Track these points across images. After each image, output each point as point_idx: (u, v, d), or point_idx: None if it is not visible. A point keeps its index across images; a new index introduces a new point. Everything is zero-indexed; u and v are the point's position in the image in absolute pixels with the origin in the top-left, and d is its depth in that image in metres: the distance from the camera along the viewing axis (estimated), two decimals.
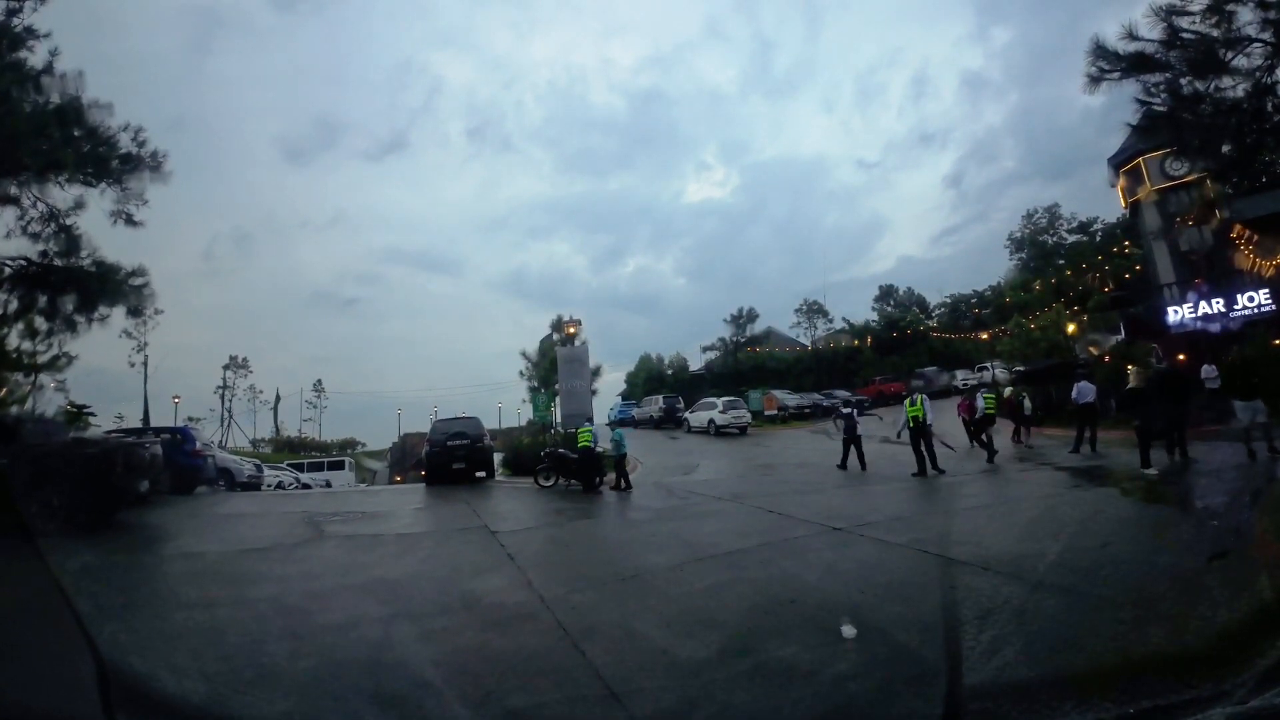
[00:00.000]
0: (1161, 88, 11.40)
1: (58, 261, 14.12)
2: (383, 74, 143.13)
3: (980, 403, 16.38)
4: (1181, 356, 21.66)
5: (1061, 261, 49.01)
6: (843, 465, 15.21)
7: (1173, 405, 11.59)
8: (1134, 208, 28.95)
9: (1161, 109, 11.46)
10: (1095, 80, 11.16)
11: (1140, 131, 12.84)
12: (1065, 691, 3.24)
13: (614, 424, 18.07)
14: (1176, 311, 24.85)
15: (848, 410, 16.83)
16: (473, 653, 4.72)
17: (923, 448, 13.27)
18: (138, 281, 14.64)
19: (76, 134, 13.87)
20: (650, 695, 3.87)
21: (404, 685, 4.19)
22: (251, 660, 4.64)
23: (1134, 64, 11.05)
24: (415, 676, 4.33)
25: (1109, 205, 53.81)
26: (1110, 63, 11.05)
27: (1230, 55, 11.74)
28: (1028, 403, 17.63)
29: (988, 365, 39.81)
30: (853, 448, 15.33)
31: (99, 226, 14.77)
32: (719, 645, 4.53)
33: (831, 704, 3.68)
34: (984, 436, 15.44)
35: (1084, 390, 15.37)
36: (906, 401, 14.06)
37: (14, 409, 14.02)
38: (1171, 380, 12.59)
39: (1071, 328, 29.97)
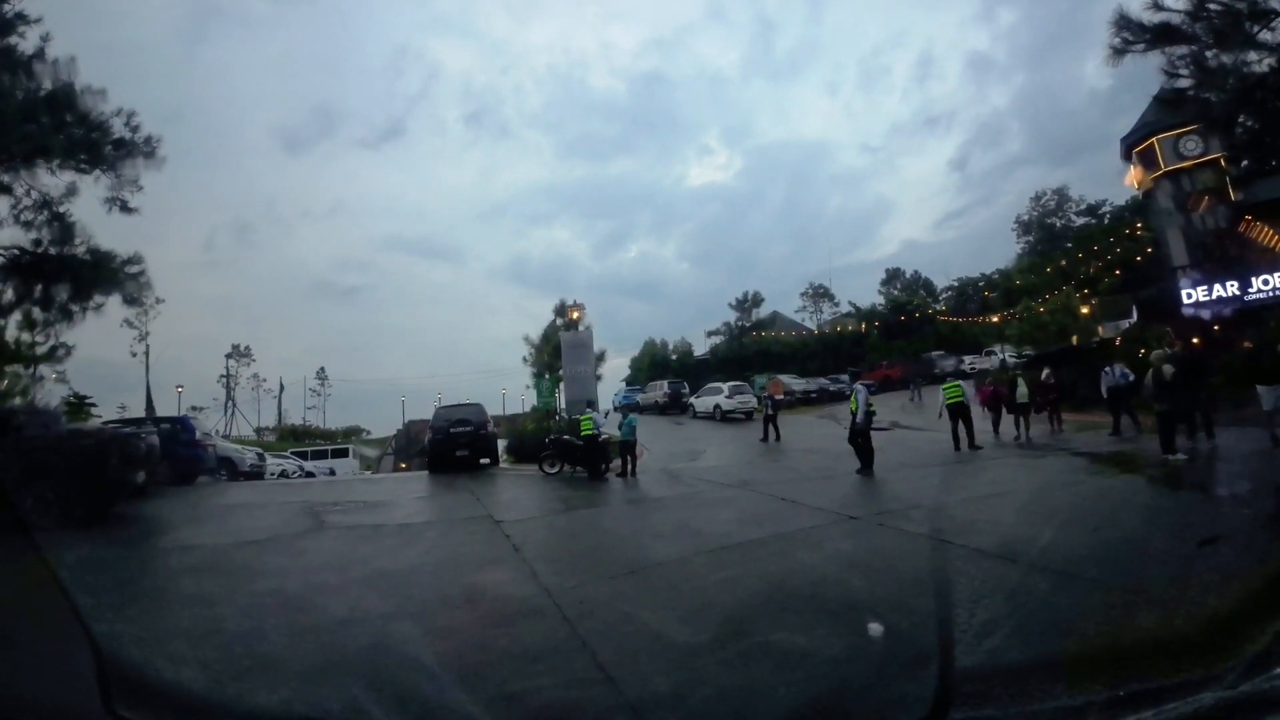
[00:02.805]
0: (1187, 60, 11.08)
1: (52, 250, 13.87)
2: (379, 61, 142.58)
3: (941, 395, 15.72)
4: (1195, 340, 21.31)
5: (1070, 245, 48.46)
6: (764, 439, 19.62)
7: (1195, 389, 11.30)
8: (1147, 189, 28.46)
9: (1187, 81, 11.16)
10: (1119, 52, 10.80)
11: (1165, 104, 12.50)
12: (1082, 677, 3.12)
13: (624, 409, 17.81)
14: (1190, 295, 24.44)
15: (768, 396, 21.81)
16: (475, 651, 4.47)
17: (859, 442, 12.17)
18: (134, 269, 14.39)
19: (68, 119, 13.59)
20: (663, 697, 3.64)
21: (404, 685, 3.97)
22: (248, 654, 4.47)
23: (1159, 35, 10.69)
24: (414, 675, 4.12)
25: (1116, 189, 53.18)
26: (1134, 34, 10.70)
27: (1256, 28, 11.37)
28: (1023, 388, 16.45)
29: (995, 350, 39.36)
30: (771, 425, 19.84)
31: (97, 216, 14.56)
32: (735, 645, 4.27)
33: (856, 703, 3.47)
34: (962, 423, 14.92)
35: (1110, 374, 15.05)
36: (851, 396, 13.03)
37: (8, 401, 13.83)
38: (1190, 364, 12.27)
39: (1085, 310, 29.56)
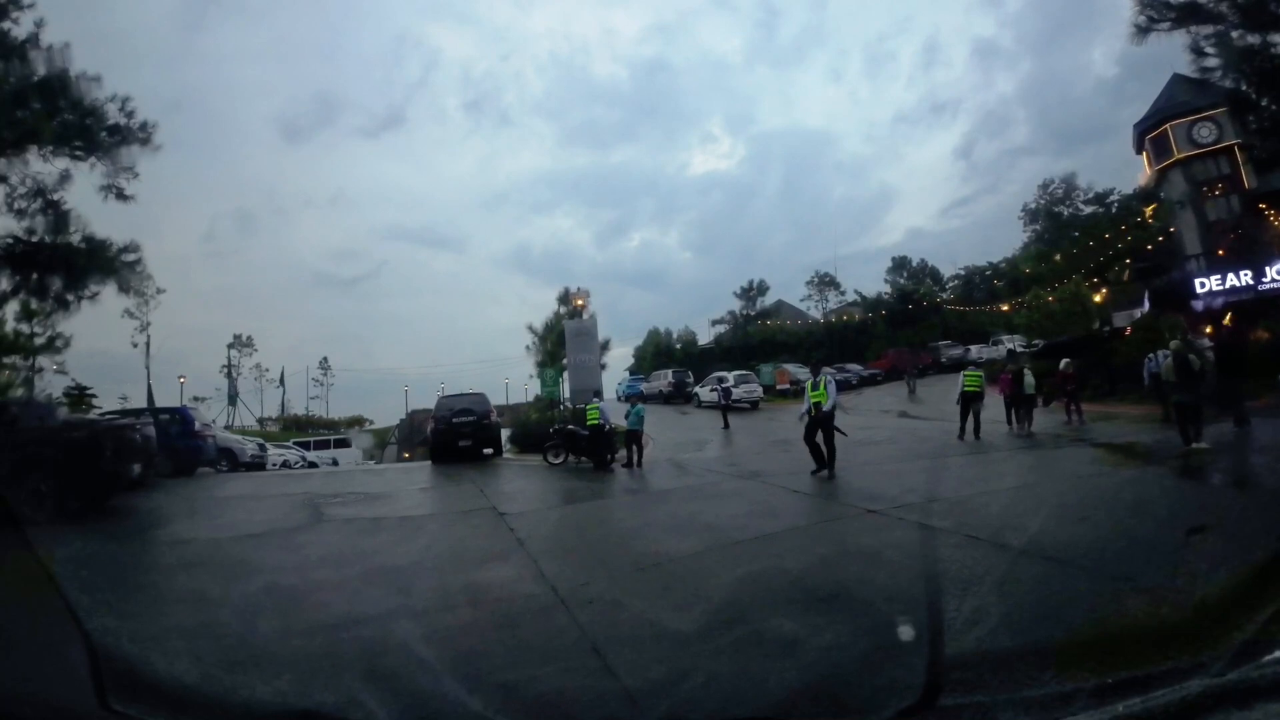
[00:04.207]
0: (1212, 40, 10.75)
1: (46, 239, 13.62)
2: (378, 48, 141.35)
3: (960, 381, 15.42)
4: (1208, 329, 21.00)
5: (1078, 234, 47.96)
6: (725, 426, 21.63)
7: (1232, 379, 11.04)
8: (1159, 176, 28.05)
9: (1214, 61, 10.84)
10: (1143, 30, 10.48)
11: (1188, 83, 12.17)
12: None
13: (630, 398, 17.55)
14: (1203, 283, 24.07)
15: (724, 385, 25.21)
16: (477, 653, 4.24)
17: (819, 440, 10.84)
18: (130, 258, 14.16)
19: (61, 105, 13.32)
20: (678, 705, 3.40)
21: (402, 685, 3.73)
22: (241, 650, 4.32)
23: (1185, 13, 10.36)
24: (411, 675, 3.88)
25: (1124, 177, 52.76)
26: (1159, 12, 10.37)
27: None
28: (1029, 379, 15.77)
29: (1002, 339, 38.98)
30: (725, 413, 22.54)
31: (94, 206, 14.35)
32: (755, 650, 4.00)
33: None
34: (972, 414, 14.65)
35: (1153, 361, 14.65)
36: (809, 384, 11.62)
37: (3, 393, 13.67)
38: (1227, 353, 11.99)
39: (1097, 299, 29.20)
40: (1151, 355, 14.97)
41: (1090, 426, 14.93)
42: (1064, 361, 17.05)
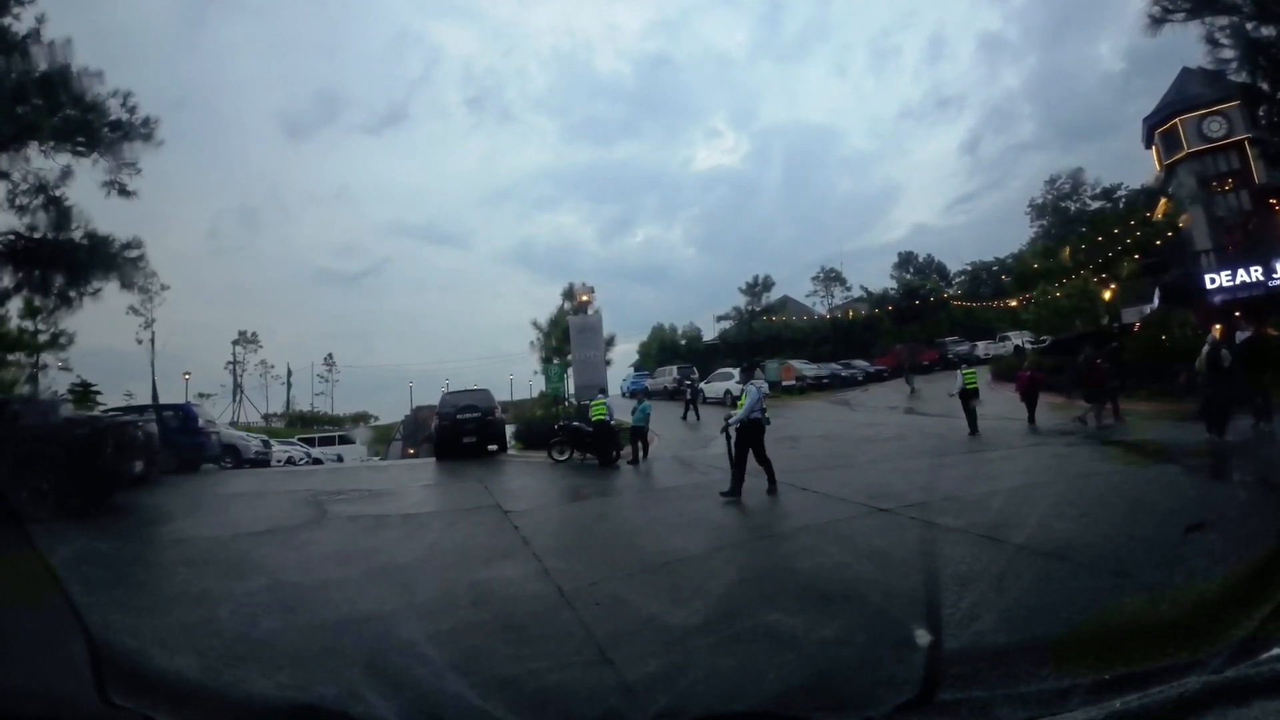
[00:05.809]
0: (1226, 31, 10.59)
1: (48, 235, 13.58)
2: (379, 44, 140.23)
3: (960, 379, 15.42)
4: (1218, 326, 20.79)
5: (1084, 229, 47.58)
6: (684, 418, 22.49)
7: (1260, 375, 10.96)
8: (1168, 171, 27.79)
9: (1229, 53, 10.66)
10: (1157, 21, 10.32)
11: (1203, 78, 12.01)
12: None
13: (637, 394, 17.28)
14: (1213, 279, 23.85)
15: (689, 382, 26.72)
16: (482, 651, 4.17)
17: (745, 454, 9.15)
18: (133, 254, 14.11)
19: (62, 100, 13.25)
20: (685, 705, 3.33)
21: (401, 689, 3.61)
22: (240, 646, 4.29)
23: (1200, 4, 10.19)
24: (411, 678, 3.77)
25: (1130, 172, 52.31)
26: (1174, 2, 10.20)
27: None
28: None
29: (1009, 335, 38.76)
30: (691, 406, 23.15)
31: (98, 204, 14.30)
32: (774, 658, 3.88)
33: None
34: (968, 411, 14.66)
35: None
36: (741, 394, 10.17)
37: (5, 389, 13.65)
38: (1256, 349, 11.86)
39: (1106, 295, 28.92)
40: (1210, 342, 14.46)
41: (1100, 424, 14.74)
42: (1097, 355, 16.43)
